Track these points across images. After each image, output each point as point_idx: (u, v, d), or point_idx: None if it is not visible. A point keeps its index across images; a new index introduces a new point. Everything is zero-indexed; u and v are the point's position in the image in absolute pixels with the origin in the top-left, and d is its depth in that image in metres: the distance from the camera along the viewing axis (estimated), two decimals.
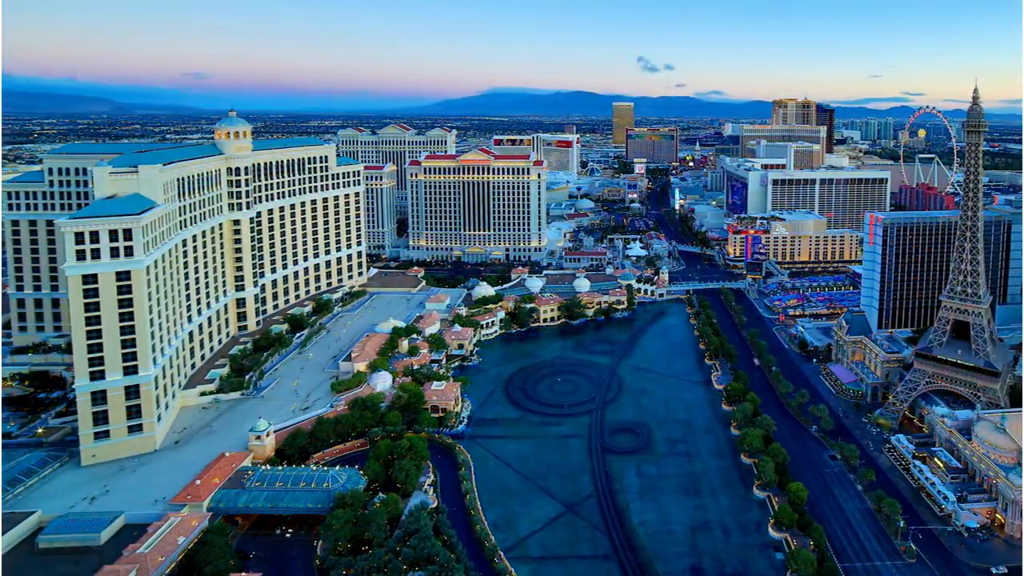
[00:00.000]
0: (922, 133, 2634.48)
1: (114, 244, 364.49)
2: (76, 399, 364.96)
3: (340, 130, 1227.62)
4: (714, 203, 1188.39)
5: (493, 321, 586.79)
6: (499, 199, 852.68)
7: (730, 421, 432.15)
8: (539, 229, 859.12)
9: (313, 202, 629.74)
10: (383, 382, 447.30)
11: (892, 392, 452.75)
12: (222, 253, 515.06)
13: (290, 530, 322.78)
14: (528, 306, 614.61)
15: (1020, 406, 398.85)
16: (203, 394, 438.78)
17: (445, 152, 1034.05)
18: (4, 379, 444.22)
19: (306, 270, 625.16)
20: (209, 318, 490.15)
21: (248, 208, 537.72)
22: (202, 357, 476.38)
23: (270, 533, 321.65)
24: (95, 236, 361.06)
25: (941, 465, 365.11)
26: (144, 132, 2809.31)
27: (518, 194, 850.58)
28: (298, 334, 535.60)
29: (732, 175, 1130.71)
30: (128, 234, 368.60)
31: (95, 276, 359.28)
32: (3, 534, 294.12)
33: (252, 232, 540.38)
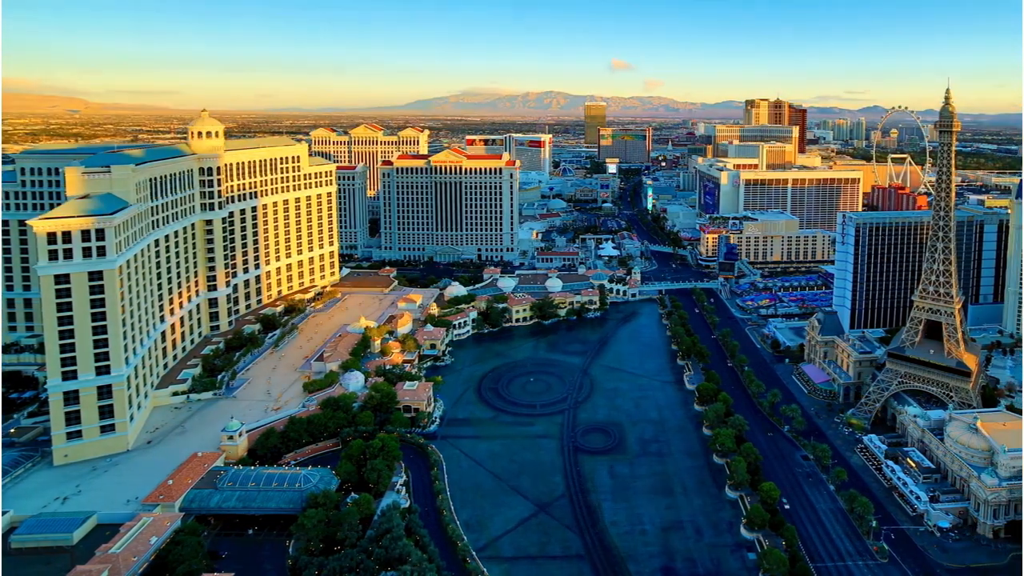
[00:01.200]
0: (894, 133, 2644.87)
1: (86, 244, 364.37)
2: (48, 399, 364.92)
3: (312, 130, 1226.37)
4: (686, 203, 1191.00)
5: (465, 321, 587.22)
6: (471, 199, 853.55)
7: (702, 421, 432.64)
8: (511, 229, 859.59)
9: (285, 202, 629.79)
10: (355, 382, 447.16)
11: (864, 392, 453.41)
12: (194, 253, 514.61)
13: (262, 530, 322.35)
14: (500, 306, 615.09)
15: (992, 406, 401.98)
16: (175, 394, 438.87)
17: (417, 152, 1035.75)
18: None
19: (278, 270, 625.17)
20: (181, 318, 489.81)
21: (220, 208, 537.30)
22: (174, 357, 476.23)
23: (242, 533, 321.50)
24: (67, 236, 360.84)
25: (913, 465, 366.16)
26: (117, 132, 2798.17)
27: (490, 194, 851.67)
28: (270, 334, 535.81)
29: (704, 175, 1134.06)
30: (100, 234, 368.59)
31: (67, 276, 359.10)
32: None
33: (224, 232, 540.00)
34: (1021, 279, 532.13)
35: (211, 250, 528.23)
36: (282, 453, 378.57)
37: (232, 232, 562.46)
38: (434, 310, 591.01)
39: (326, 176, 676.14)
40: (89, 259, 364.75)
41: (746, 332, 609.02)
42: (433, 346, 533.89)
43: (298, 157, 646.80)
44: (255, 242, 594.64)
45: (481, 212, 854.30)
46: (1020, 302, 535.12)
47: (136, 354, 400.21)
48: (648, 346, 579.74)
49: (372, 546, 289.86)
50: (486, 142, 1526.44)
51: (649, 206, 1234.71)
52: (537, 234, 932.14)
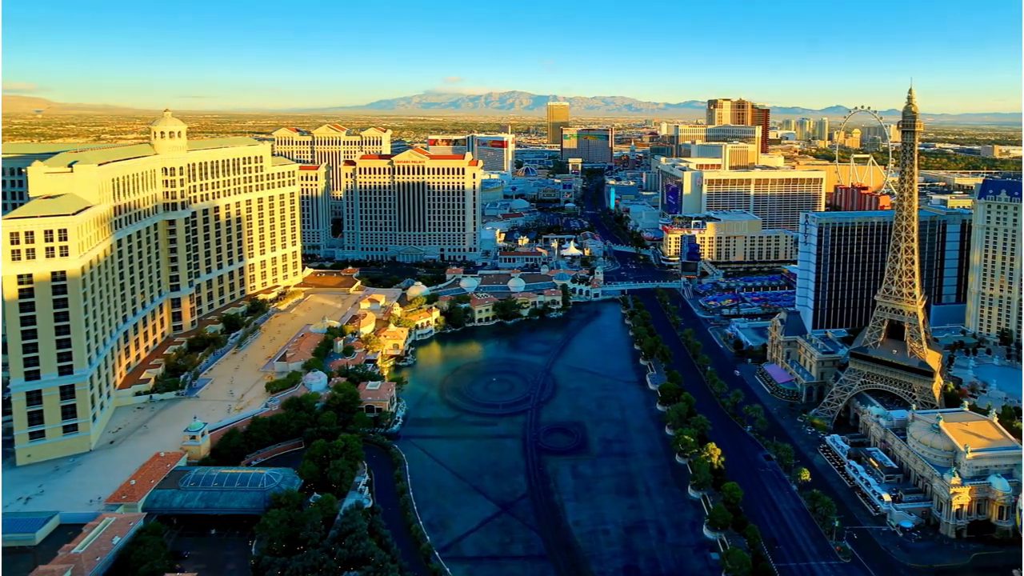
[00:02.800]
0: (857, 133, 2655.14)
1: (49, 244, 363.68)
2: (11, 399, 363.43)
3: (275, 131, 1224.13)
4: (649, 203, 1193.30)
5: (428, 321, 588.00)
6: (434, 199, 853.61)
7: (665, 421, 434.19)
8: (474, 229, 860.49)
9: (248, 202, 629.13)
10: (318, 382, 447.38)
11: (827, 392, 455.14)
12: (157, 253, 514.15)
13: (225, 530, 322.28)
14: (463, 306, 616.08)
15: (955, 406, 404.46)
16: (138, 394, 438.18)
17: (380, 152, 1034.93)
18: None
19: (241, 270, 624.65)
20: (144, 318, 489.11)
21: (183, 208, 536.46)
22: (137, 357, 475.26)
23: (205, 533, 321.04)
24: (30, 236, 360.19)
25: (876, 465, 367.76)
26: (80, 132, 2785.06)
27: (453, 194, 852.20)
28: (233, 334, 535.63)
29: (667, 175, 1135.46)
30: (63, 234, 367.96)
31: (30, 276, 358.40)
32: None
33: (187, 232, 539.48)
34: (983, 279, 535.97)
35: (174, 250, 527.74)
36: (245, 453, 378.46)
37: (195, 232, 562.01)
38: (397, 310, 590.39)
39: (289, 176, 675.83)
40: (52, 259, 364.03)
41: (709, 332, 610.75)
42: (396, 346, 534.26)
43: (261, 157, 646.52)
44: (218, 242, 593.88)
45: (444, 212, 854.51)
46: (987, 302, 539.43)
47: (99, 354, 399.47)
48: (611, 346, 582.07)
49: (335, 546, 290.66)
50: (453, 143, 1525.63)
51: (612, 206, 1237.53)
52: (500, 234, 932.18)
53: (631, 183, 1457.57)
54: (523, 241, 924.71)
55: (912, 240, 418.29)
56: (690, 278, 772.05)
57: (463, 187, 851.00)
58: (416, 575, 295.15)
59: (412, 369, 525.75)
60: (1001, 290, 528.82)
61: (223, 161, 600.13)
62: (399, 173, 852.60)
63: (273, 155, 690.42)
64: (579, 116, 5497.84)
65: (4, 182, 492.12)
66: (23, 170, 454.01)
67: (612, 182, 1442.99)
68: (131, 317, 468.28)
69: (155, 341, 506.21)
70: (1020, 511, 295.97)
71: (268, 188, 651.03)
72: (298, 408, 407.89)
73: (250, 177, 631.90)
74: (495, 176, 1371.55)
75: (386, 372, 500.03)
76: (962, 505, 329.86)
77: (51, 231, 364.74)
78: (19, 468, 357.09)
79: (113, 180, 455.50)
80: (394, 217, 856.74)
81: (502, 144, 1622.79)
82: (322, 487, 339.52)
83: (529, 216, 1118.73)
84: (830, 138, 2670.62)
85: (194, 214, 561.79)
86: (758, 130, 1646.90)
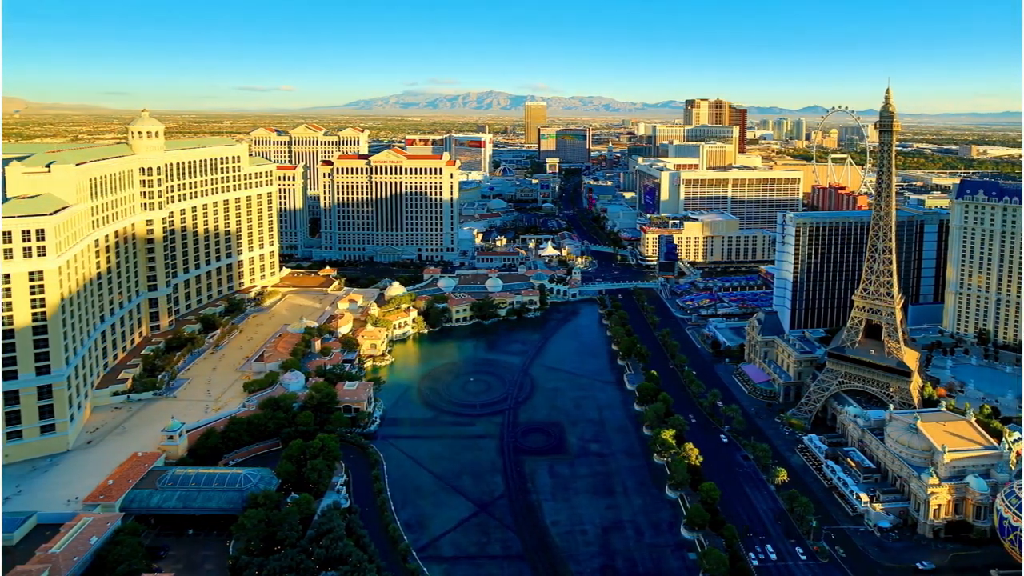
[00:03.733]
0: (834, 133, 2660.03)
1: (27, 244, 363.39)
2: None
3: (253, 131, 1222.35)
4: (627, 203, 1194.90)
5: (406, 321, 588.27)
6: (411, 199, 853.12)
7: (642, 421, 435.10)
8: (451, 229, 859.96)
9: (225, 202, 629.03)
10: (296, 382, 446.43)
11: (804, 392, 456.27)
12: (135, 253, 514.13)
13: (202, 530, 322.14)
14: (440, 306, 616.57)
15: (933, 406, 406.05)
16: (116, 394, 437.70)
17: (357, 152, 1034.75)
18: None
19: (219, 270, 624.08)
20: (122, 318, 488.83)
21: (161, 208, 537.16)
22: (115, 357, 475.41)
23: (182, 533, 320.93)
24: (7, 236, 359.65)
25: (853, 465, 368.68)
26: (58, 132, 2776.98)
27: (430, 194, 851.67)
28: (211, 334, 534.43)
29: (645, 175, 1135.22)
30: (41, 234, 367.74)
31: (7, 276, 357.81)
32: None
33: (165, 232, 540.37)
34: (961, 279, 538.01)
35: (151, 250, 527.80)
36: (222, 453, 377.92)
37: (173, 232, 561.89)
38: (374, 310, 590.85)
39: (266, 176, 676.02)
40: (29, 259, 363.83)
41: (686, 332, 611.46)
42: (374, 346, 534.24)
43: (238, 157, 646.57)
44: (195, 242, 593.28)
45: (421, 212, 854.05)
46: (962, 302, 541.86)
47: (76, 354, 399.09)
48: (588, 346, 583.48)
49: (312, 546, 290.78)
50: (433, 143, 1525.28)
51: (589, 206, 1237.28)
52: (478, 234, 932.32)
53: (609, 183, 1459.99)
54: (501, 242, 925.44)
55: (890, 240, 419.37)
56: (668, 278, 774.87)
57: (440, 187, 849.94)
58: (393, 575, 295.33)
59: (390, 369, 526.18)
60: (979, 290, 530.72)
61: (200, 161, 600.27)
62: (376, 173, 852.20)
63: (250, 155, 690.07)
64: (557, 116, 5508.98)
65: None
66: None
67: (590, 182, 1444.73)
68: (109, 317, 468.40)
69: (133, 341, 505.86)
70: (997, 511, 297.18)
71: (245, 188, 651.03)
72: (276, 408, 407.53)
73: (227, 177, 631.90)
74: (473, 176, 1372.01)
75: (363, 372, 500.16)
76: (940, 505, 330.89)
77: (28, 231, 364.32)
78: None
79: (91, 180, 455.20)
80: (371, 217, 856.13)
81: (480, 144, 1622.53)
82: (300, 487, 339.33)
83: (507, 216, 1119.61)
84: (808, 138, 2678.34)
85: (171, 214, 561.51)
86: (736, 130, 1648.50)
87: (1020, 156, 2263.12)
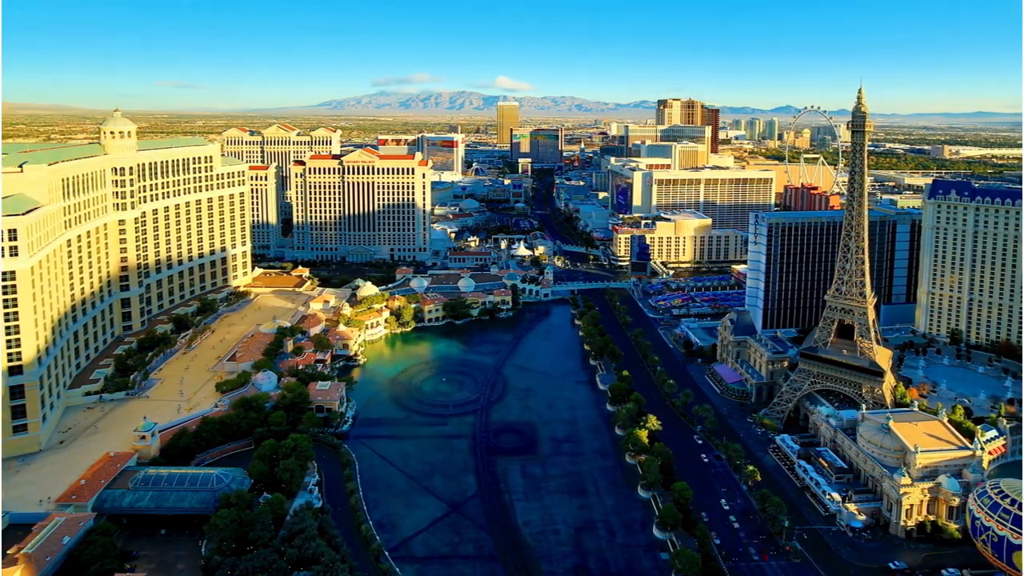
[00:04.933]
0: (806, 133, 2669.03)
1: None
2: None
3: (225, 131, 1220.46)
4: (599, 203, 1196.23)
5: (378, 321, 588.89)
6: (384, 199, 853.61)
7: (615, 421, 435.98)
8: (424, 229, 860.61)
9: (198, 202, 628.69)
10: (268, 382, 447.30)
11: (777, 392, 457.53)
12: (107, 253, 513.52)
13: (175, 530, 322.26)
14: (413, 306, 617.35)
15: (904, 406, 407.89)
16: (88, 394, 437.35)
17: (330, 152, 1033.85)
18: None
19: (191, 270, 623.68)
20: (94, 318, 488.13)
21: (133, 208, 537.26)
22: (87, 357, 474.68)
23: (155, 533, 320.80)
24: None
25: (826, 465, 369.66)
26: (30, 132, 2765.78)
27: (403, 194, 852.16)
28: (183, 334, 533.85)
29: (617, 175, 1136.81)
30: (13, 234, 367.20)
31: None
32: None
33: (137, 232, 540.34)
34: (933, 279, 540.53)
35: (124, 250, 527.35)
36: (195, 453, 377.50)
37: (145, 232, 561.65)
38: (347, 310, 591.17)
39: (238, 176, 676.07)
40: (1, 259, 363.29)
41: (658, 332, 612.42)
42: (346, 346, 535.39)
43: (210, 157, 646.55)
44: (168, 242, 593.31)
45: (394, 212, 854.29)
46: (935, 302, 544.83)
47: (49, 354, 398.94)
48: (561, 346, 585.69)
49: (285, 546, 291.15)
50: (398, 142, 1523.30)
51: (562, 206, 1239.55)
52: (450, 234, 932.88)
53: (581, 183, 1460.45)
54: (474, 243, 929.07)
55: (862, 240, 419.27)
56: (640, 278, 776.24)
57: (413, 187, 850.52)
58: (366, 575, 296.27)
59: (362, 369, 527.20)
60: (951, 290, 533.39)
61: (173, 161, 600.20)
62: (349, 173, 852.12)
63: (222, 155, 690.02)
64: (529, 116, 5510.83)
65: None
66: None
67: (562, 182, 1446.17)
68: (81, 317, 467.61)
69: (105, 341, 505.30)
70: (970, 511, 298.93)
71: (218, 188, 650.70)
72: (248, 408, 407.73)
73: (200, 177, 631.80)
74: (446, 177, 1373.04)
75: (336, 372, 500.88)
76: (912, 505, 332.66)
77: (0, 231, 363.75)
78: None
79: (63, 180, 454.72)
80: (344, 217, 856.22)
81: (452, 144, 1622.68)
82: (272, 487, 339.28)
83: (479, 216, 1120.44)
84: (780, 138, 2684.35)
85: (144, 214, 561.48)
86: (708, 130, 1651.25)
87: (992, 157, 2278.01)
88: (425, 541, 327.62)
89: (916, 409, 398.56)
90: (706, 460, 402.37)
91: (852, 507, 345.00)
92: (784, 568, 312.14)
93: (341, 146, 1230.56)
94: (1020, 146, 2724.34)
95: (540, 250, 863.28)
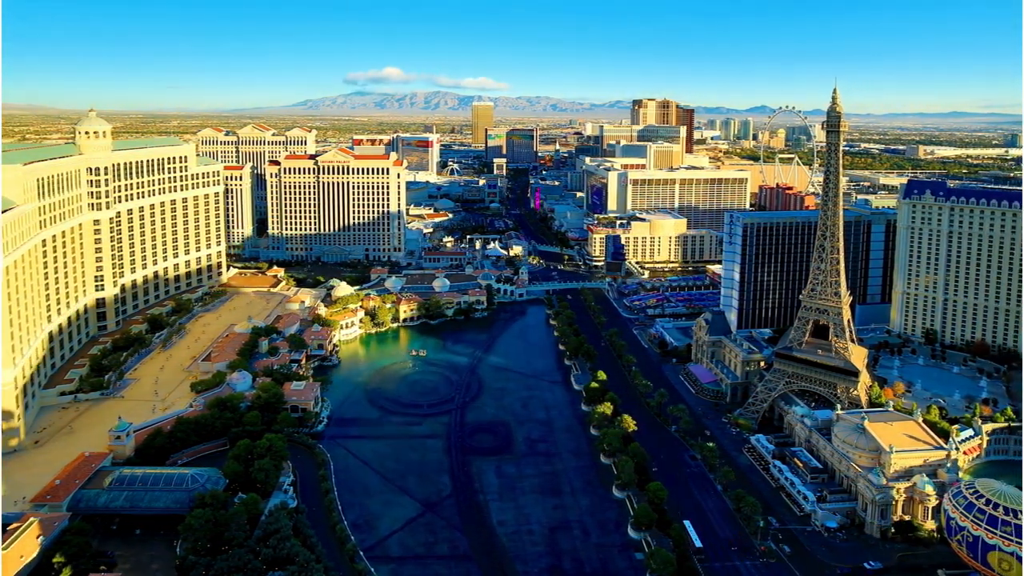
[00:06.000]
0: (781, 133, 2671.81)
1: None
2: None
3: (200, 130, 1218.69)
4: (574, 203, 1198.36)
5: (353, 321, 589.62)
6: (358, 199, 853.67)
7: (589, 421, 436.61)
8: (399, 229, 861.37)
9: (173, 202, 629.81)
10: (243, 382, 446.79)
11: (752, 392, 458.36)
12: (82, 253, 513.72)
13: (150, 530, 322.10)
14: (388, 306, 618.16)
15: (880, 407, 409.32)
16: (63, 394, 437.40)
17: (305, 152, 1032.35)
18: None
19: (166, 270, 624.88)
20: (69, 318, 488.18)
21: (108, 208, 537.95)
22: (62, 357, 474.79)
23: (130, 534, 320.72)
24: None
25: (801, 465, 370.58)
26: (4, 132, 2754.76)
27: (377, 194, 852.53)
28: (158, 334, 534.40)
29: (592, 175, 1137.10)
30: None
31: None
32: None
33: (112, 232, 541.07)
34: (908, 279, 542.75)
35: (99, 250, 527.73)
36: (170, 453, 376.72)
37: (120, 232, 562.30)
38: (321, 310, 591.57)
39: (213, 176, 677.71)
40: None
41: (633, 332, 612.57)
42: (320, 346, 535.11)
43: (185, 157, 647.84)
44: (143, 242, 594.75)
45: (368, 212, 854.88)
46: (910, 302, 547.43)
47: (24, 354, 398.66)
48: (536, 346, 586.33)
49: (259, 546, 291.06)
50: (373, 142, 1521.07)
51: (536, 206, 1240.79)
52: (425, 234, 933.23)
53: (556, 183, 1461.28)
54: (450, 243, 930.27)
55: (837, 240, 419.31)
56: (615, 278, 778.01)
57: (387, 187, 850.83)
58: (341, 575, 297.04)
59: (337, 369, 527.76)
60: (926, 290, 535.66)
61: (148, 161, 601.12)
62: (324, 173, 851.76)
63: (198, 155, 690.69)
64: (504, 116, 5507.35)
65: None
66: None
67: (537, 182, 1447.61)
68: (56, 317, 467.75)
69: (80, 341, 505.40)
70: (945, 511, 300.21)
71: (193, 188, 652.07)
72: (223, 408, 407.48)
73: (175, 177, 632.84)
74: (421, 177, 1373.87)
75: (310, 372, 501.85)
76: (887, 505, 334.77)
77: None
78: None
79: (38, 180, 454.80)
80: (319, 217, 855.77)
81: (427, 144, 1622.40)
82: (247, 487, 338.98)
83: (454, 216, 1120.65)
84: (755, 138, 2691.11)
85: (119, 214, 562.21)
86: (683, 130, 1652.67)
87: (967, 157, 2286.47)
88: (400, 541, 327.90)
89: (891, 409, 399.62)
90: (681, 460, 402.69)
91: (827, 507, 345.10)
92: (759, 568, 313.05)
93: (316, 146, 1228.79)
94: (994, 146, 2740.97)
95: (515, 250, 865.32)
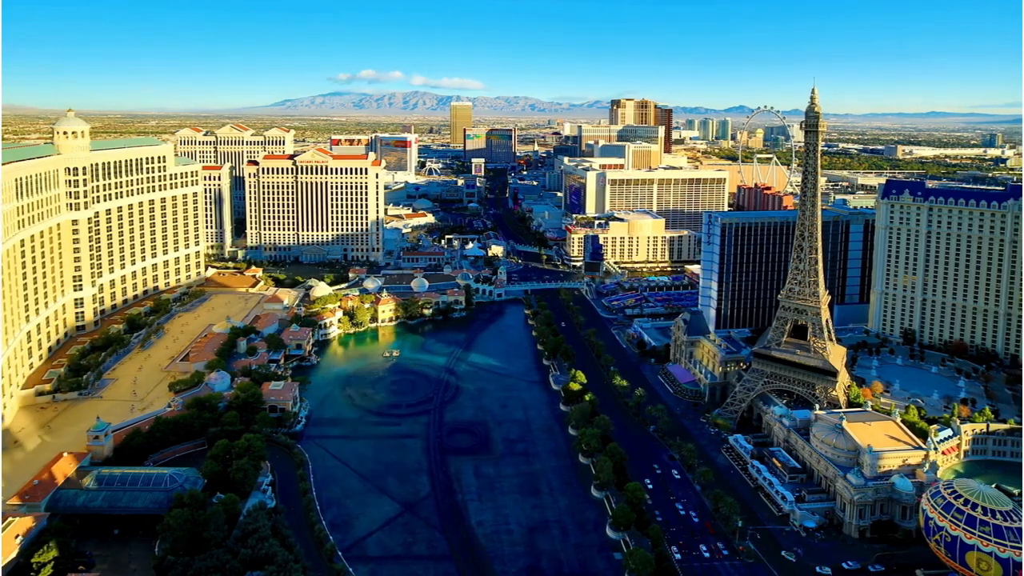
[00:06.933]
0: (760, 133, 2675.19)
1: None
2: None
3: (178, 131, 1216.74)
4: (552, 203, 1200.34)
5: (331, 321, 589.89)
6: (337, 199, 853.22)
7: (568, 421, 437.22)
8: (377, 229, 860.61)
9: (151, 202, 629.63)
10: (221, 382, 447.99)
11: (730, 392, 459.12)
12: (60, 253, 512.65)
13: (128, 530, 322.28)
14: (366, 306, 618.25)
15: (858, 407, 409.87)
16: (41, 394, 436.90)
17: (283, 152, 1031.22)
18: None
19: (144, 270, 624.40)
20: (47, 318, 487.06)
21: (86, 208, 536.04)
22: (40, 357, 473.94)
23: (109, 534, 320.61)
24: None
25: (779, 465, 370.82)
26: None
27: (356, 194, 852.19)
28: (136, 334, 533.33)
29: (571, 175, 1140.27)
30: None
31: None
32: None
33: (90, 232, 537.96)
34: (886, 279, 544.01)
35: (77, 250, 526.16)
36: (148, 453, 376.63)
37: (98, 232, 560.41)
38: (300, 310, 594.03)
39: (192, 176, 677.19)
40: None
41: (612, 332, 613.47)
42: (299, 346, 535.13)
43: (164, 157, 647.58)
44: (121, 242, 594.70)
45: (347, 212, 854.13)
46: (887, 302, 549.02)
47: (1, 354, 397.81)
48: (514, 346, 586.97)
49: (238, 546, 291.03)
50: (352, 142, 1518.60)
51: (514, 206, 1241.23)
52: (403, 234, 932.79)
53: (534, 183, 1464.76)
54: (431, 241, 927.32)
55: (815, 240, 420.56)
56: (593, 278, 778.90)
57: (366, 187, 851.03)
58: (319, 575, 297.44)
59: (315, 369, 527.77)
60: (904, 290, 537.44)
61: (126, 161, 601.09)
62: (302, 173, 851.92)
63: (176, 155, 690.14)
64: (482, 116, 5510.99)
65: None
66: None
67: (516, 182, 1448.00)
68: (34, 317, 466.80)
69: (58, 341, 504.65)
70: (923, 511, 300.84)
71: (171, 188, 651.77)
72: (201, 408, 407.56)
73: (153, 177, 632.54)
74: (399, 177, 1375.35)
75: (289, 372, 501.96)
76: (865, 505, 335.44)
77: None
78: None
79: (16, 180, 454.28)
80: (297, 217, 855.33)
81: (406, 144, 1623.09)
82: (225, 487, 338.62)
83: (433, 216, 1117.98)
84: (733, 138, 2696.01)
85: (97, 214, 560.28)
86: (661, 130, 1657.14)
87: (945, 157, 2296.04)
88: (378, 541, 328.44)
89: (870, 409, 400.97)
90: (660, 460, 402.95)
91: (805, 507, 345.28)
92: (738, 568, 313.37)
93: (294, 146, 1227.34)
94: (973, 146, 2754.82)
95: (497, 250, 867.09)
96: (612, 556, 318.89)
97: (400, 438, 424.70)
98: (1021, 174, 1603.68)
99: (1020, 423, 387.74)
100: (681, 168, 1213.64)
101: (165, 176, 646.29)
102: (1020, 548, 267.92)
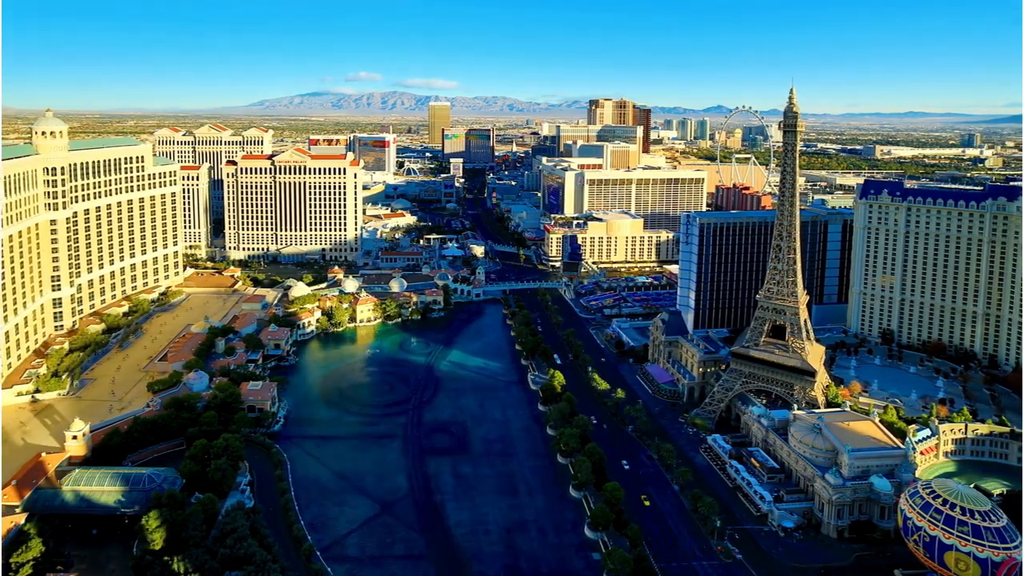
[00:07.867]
0: (738, 133, 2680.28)
1: None
2: None
3: (156, 130, 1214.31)
4: (531, 203, 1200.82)
5: (310, 321, 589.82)
6: (315, 199, 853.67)
7: (546, 421, 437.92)
8: (356, 229, 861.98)
9: (129, 202, 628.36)
10: (200, 382, 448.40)
11: (708, 392, 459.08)
12: (38, 253, 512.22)
13: (106, 530, 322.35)
14: (344, 306, 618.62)
15: (837, 407, 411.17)
16: (19, 394, 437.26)
17: (262, 152, 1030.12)
18: None
19: (123, 270, 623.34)
20: (25, 318, 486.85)
21: (64, 208, 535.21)
22: (18, 357, 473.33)
23: (87, 534, 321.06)
24: None
25: (757, 465, 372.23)
26: None
27: (334, 194, 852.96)
28: (114, 334, 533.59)
29: (549, 175, 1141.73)
30: None
31: None
32: None
33: (68, 232, 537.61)
34: (864, 279, 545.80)
35: (55, 250, 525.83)
36: (126, 453, 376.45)
37: (76, 232, 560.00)
38: (278, 310, 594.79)
39: (170, 176, 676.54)
40: None
41: (590, 332, 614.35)
42: (278, 346, 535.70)
43: (142, 157, 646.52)
44: (99, 242, 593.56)
45: (325, 212, 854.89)
46: (866, 302, 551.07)
47: None
48: (493, 346, 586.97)
49: (217, 546, 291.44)
50: (330, 142, 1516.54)
51: (493, 206, 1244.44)
52: (381, 234, 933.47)
53: (513, 183, 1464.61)
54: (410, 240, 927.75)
55: (794, 240, 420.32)
56: (572, 278, 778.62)
57: (344, 187, 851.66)
58: (298, 575, 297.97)
59: (294, 369, 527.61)
60: (882, 290, 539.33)
61: (105, 161, 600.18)
62: (281, 173, 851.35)
63: (154, 155, 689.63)
64: (461, 116, 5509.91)
65: None
66: None
67: (494, 182, 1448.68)
68: (12, 317, 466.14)
69: (36, 341, 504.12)
70: (901, 511, 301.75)
71: (149, 188, 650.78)
72: (180, 408, 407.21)
73: (131, 177, 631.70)
74: (378, 177, 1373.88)
75: (267, 372, 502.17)
76: (844, 505, 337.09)
77: None
78: None
79: None
80: (276, 217, 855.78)
81: (384, 144, 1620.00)
82: (204, 487, 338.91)
83: (411, 216, 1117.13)
84: (712, 138, 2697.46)
85: (75, 214, 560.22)
86: (640, 130, 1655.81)
87: (924, 157, 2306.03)
88: (356, 541, 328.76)
89: (848, 409, 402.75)
90: (638, 460, 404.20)
91: (783, 507, 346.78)
92: (716, 568, 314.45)
93: (272, 146, 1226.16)
94: (951, 146, 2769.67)
95: (477, 250, 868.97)
96: (590, 556, 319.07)
97: (378, 438, 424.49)
98: (1003, 175, 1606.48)
99: (998, 424, 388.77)
100: (660, 168, 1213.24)
101: (143, 176, 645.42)
102: (998, 548, 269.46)
